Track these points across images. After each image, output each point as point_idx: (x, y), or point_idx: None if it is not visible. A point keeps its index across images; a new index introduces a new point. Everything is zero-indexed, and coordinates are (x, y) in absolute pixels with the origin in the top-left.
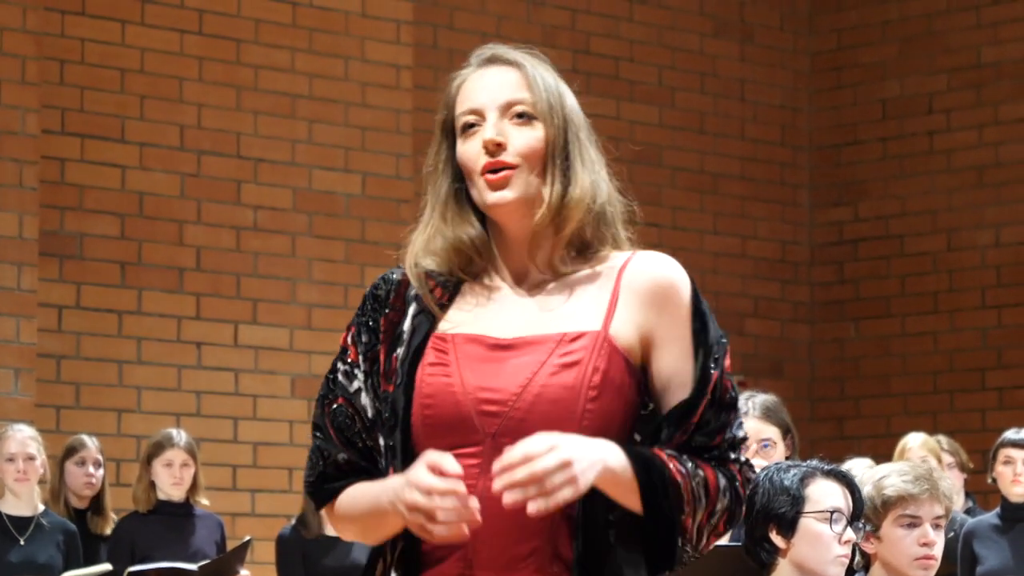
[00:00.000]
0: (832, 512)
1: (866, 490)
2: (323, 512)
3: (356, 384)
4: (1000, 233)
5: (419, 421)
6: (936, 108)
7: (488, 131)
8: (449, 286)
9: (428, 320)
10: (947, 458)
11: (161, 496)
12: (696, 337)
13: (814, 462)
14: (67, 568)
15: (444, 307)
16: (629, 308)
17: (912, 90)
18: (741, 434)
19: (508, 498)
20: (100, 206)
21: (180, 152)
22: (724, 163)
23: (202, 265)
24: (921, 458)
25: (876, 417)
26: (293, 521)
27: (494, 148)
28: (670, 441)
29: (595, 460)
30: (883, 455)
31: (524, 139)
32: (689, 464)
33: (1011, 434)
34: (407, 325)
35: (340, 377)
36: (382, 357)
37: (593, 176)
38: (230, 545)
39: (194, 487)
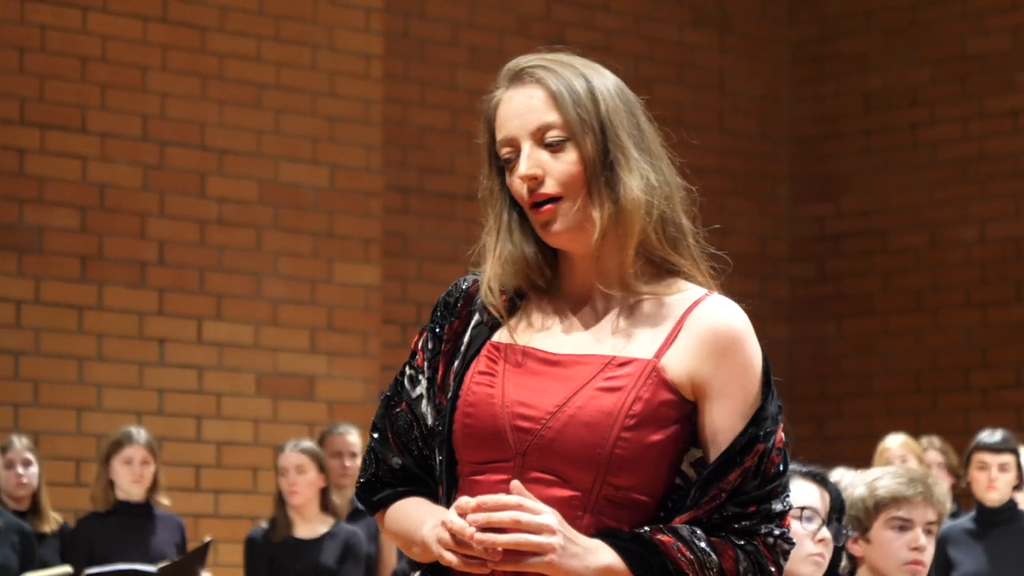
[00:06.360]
0: (803, 509)
1: (858, 491)
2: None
3: (419, 390)
4: (985, 229)
5: (459, 429)
6: (920, 100)
7: (522, 166)
8: (514, 299)
9: (487, 332)
10: (936, 456)
11: (120, 496)
12: (753, 404)
13: (791, 464)
14: (23, 569)
15: (506, 318)
16: (686, 349)
17: (895, 82)
18: (779, 507)
19: (477, 537)
20: (60, 198)
21: (143, 143)
22: (702, 156)
23: (165, 259)
24: (900, 458)
25: (857, 417)
26: (263, 523)
27: (532, 183)
28: (696, 505)
29: (588, 549)
30: (864, 456)
31: (561, 168)
32: (702, 547)
33: (985, 437)
34: (467, 336)
35: (406, 381)
36: (441, 368)
37: (644, 177)
38: (191, 548)
39: (154, 486)
